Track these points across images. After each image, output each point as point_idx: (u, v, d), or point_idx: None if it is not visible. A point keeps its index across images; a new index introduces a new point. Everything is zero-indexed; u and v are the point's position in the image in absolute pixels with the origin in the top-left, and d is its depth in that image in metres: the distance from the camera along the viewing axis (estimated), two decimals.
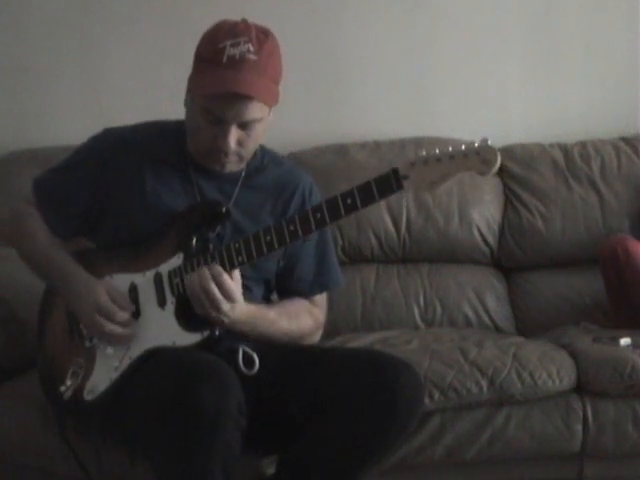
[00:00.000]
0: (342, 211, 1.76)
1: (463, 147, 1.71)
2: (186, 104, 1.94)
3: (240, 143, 1.89)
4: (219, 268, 1.80)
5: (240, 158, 1.94)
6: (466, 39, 3.11)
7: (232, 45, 1.83)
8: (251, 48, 1.83)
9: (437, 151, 1.72)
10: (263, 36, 1.86)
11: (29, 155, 2.91)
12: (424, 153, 1.73)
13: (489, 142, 1.71)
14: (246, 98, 1.82)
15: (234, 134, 1.86)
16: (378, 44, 3.09)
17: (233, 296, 1.80)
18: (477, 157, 1.70)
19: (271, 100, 1.89)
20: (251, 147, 1.93)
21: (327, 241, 2.09)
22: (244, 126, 1.87)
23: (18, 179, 2.77)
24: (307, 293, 2.08)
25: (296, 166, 2.19)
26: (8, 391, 2.20)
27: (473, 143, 1.71)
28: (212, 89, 1.83)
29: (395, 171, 1.73)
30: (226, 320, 1.83)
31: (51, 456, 2.06)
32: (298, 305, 2.06)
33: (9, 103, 3.04)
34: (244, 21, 1.89)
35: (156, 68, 2.98)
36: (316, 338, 2.10)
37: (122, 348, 1.89)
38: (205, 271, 1.80)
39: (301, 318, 2.04)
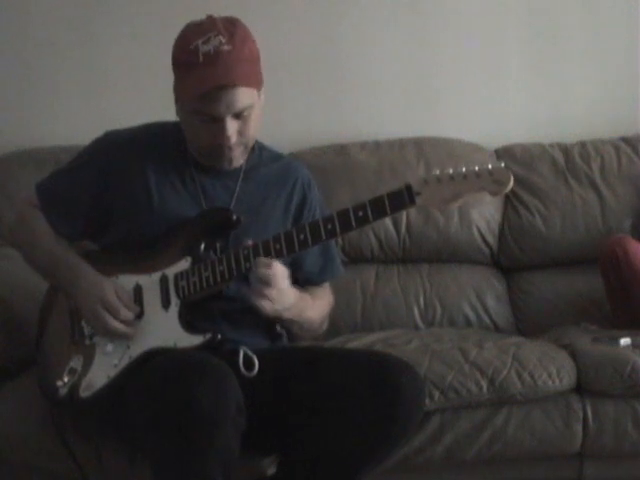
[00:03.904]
0: (353, 223, 1.79)
1: (476, 167, 1.73)
2: (178, 113, 1.95)
3: (240, 133, 1.90)
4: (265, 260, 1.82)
5: (245, 147, 1.95)
6: (466, 39, 3.11)
7: (204, 42, 1.84)
8: (222, 40, 1.84)
9: (450, 170, 1.75)
10: (231, 25, 1.87)
11: (29, 155, 2.91)
12: (438, 171, 1.75)
13: (502, 164, 1.74)
14: (231, 88, 1.83)
15: (232, 126, 1.87)
16: (378, 44, 3.09)
17: (271, 281, 1.82)
18: (490, 177, 1.72)
19: (255, 82, 1.89)
20: (252, 133, 1.93)
21: None
22: (238, 116, 1.87)
23: (18, 179, 2.78)
24: (317, 281, 2.11)
25: (293, 160, 2.22)
26: (8, 391, 2.20)
27: (487, 163, 1.74)
28: (196, 90, 1.84)
29: (408, 187, 1.76)
30: (278, 307, 1.84)
31: (51, 456, 2.06)
32: (318, 290, 2.10)
33: (9, 103, 3.04)
34: (209, 17, 1.90)
35: (157, 68, 2.97)
36: (327, 320, 2.14)
37: (122, 347, 1.90)
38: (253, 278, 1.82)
39: (324, 300, 2.10)
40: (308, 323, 2.01)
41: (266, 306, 1.83)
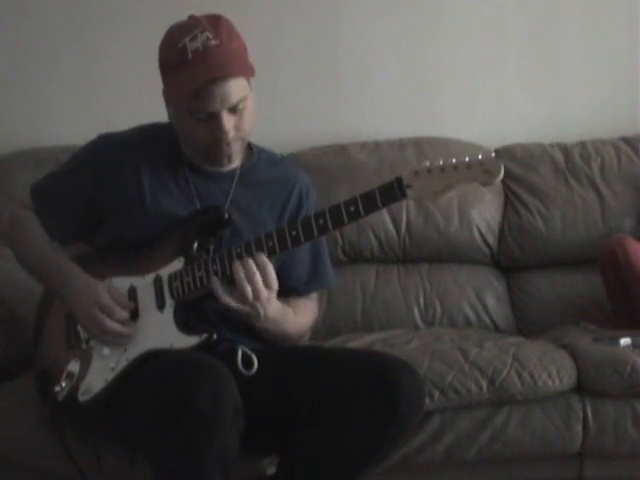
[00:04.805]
0: (345, 218, 1.78)
1: (467, 158, 1.73)
2: (170, 117, 1.95)
3: (237, 128, 1.89)
4: (264, 258, 1.81)
5: (242, 142, 1.95)
6: (466, 39, 3.11)
7: (191, 40, 1.83)
8: (209, 35, 1.83)
9: (441, 161, 1.74)
10: (215, 21, 1.87)
11: (28, 155, 2.91)
12: (428, 163, 1.74)
13: (493, 154, 1.73)
14: (224, 81, 1.83)
15: (228, 121, 1.86)
16: (378, 44, 3.09)
17: (273, 284, 1.82)
18: (480, 168, 1.72)
19: (247, 71, 1.89)
20: (248, 128, 1.92)
21: (321, 239, 2.09)
22: (234, 110, 1.86)
23: (17, 179, 2.78)
24: (304, 291, 2.09)
25: (293, 165, 2.20)
26: (8, 391, 2.20)
27: (477, 154, 1.73)
28: (190, 87, 1.82)
29: (399, 180, 1.75)
30: (262, 313, 1.83)
31: (51, 457, 2.05)
32: (301, 303, 2.07)
33: (8, 103, 3.04)
34: (191, 16, 1.90)
35: (156, 68, 2.98)
36: (309, 332, 2.13)
37: (119, 349, 1.89)
38: (250, 262, 1.80)
39: (306, 316, 2.06)
40: (282, 338, 1.99)
41: (249, 308, 1.83)
